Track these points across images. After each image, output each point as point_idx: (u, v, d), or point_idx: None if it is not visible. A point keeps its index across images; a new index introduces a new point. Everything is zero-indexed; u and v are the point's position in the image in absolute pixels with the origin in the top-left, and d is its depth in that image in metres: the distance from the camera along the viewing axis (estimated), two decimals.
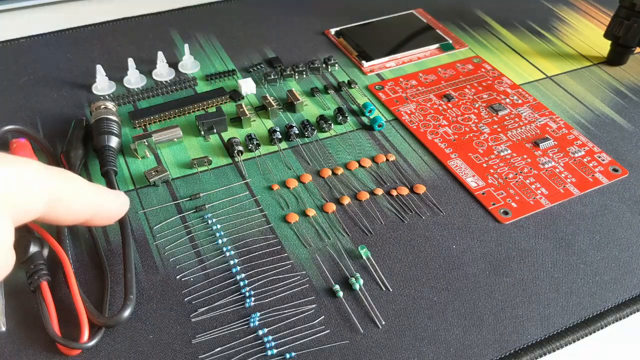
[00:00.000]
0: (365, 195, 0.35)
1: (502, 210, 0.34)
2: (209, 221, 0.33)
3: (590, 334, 0.29)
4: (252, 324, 0.28)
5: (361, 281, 0.30)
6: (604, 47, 0.48)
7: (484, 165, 0.37)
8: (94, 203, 0.21)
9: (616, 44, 0.46)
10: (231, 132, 0.40)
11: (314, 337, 0.28)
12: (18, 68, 0.46)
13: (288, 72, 0.45)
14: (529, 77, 0.46)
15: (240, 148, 0.38)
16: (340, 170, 0.37)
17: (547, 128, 0.40)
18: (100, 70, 0.43)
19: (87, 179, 0.36)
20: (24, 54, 0.48)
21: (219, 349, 0.27)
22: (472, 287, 0.30)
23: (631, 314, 0.29)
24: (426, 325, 0.28)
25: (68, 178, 0.19)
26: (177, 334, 0.28)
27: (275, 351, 0.27)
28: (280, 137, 0.39)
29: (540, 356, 0.28)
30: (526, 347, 0.28)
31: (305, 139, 0.40)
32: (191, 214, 0.34)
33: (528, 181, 0.36)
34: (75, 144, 0.37)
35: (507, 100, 0.43)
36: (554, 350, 0.28)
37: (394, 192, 0.35)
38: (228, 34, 0.50)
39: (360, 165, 0.37)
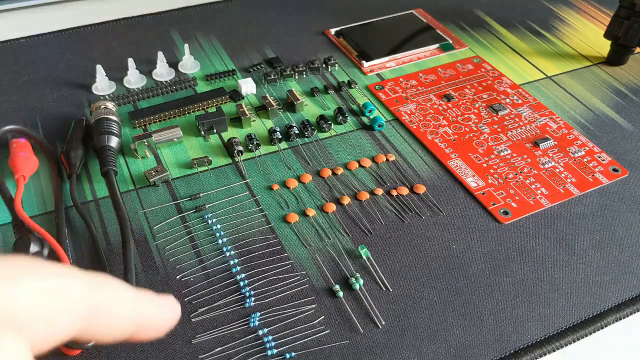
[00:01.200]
0: (365, 195, 0.35)
1: (502, 210, 0.34)
2: (209, 221, 0.33)
3: (590, 334, 0.29)
4: (252, 324, 0.28)
5: (361, 281, 0.30)
6: (604, 47, 0.48)
7: (484, 165, 0.37)
8: (139, 315, 0.17)
9: (616, 44, 0.46)
10: (231, 132, 0.40)
11: (314, 337, 0.28)
12: (18, 68, 0.46)
13: (288, 72, 0.45)
14: (529, 77, 0.46)
15: (240, 148, 0.38)
16: (340, 170, 0.37)
17: (547, 128, 0.40)
18: (100, 70, 0.43)
19: (87, 179, 0.36)
20: (24, 54, 0.48)
21: (219, 349, 0.27)
22: (472, 287, 0.30)
23: (631, 314, 0.29)
24: (426, 325, 0.28)
25: (107, 288, 0.17)
26: (177, 334, 0.28)
27: (275, 351, 0.27)
28: (280, 137, 0.39)
29: (540, 356, 0.28)
30: (526, 347, 0.28)
31: (305, 139, 0.40)
32: (191, 214, 0.34)
33: (528, 181, 0.36)
34: (75, 144, 0.37)
35: (507, 100, 0.43)
36: (554, 350, 0.28)
37: (394, 192, 0.35)
38: (228, 34, 0.50)
39: (360, 165, 0.37)
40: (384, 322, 0.28)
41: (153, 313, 0.18)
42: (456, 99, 0.43)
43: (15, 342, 0.14)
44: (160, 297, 0.19)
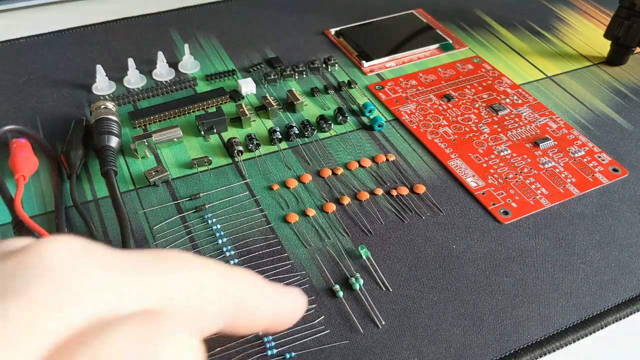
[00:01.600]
0: (365, 195, 0.35)
1: (502, 210, 0.34)
2: (209, 221, 0.33)
3: (590, 334, 0.29)
4: None
5: (361, 281, 0.30)
6: (604, 47, 0.48)
7: (484, 165, 0.37)
8: (275, 309, 0.18)
9: (616, 44, 0.46)
10: (231, 132, 0.40)
11: (314, 337, 0.28)
12: (18, 68, 0.46)
13: (288, 72, 0.45)
14: (529, 77, 0.46)
15: (240, 148, 0.38)
16: (340, 170, 0.37)
17: (547, 128, 0.40)
18: (100, 70, 0.43)
19: (87, 179, 0.36)
20: (24, 54, 0.48)
21: (219, 349, 0.27)
22: (472, 287, 0.30)
23: (631, 314, 0.29)
24: (426, 325, 0.28)
25: (250, 283, 0.17)
26: None
27: (275, 351, 0.27)
28: (280, 137, 0.39)
29: (540, 356, 0.28)
30: (526, 347, 0.28)
31: (305, 139, 0.40)
32: (191, 214, 0.34)
33: (528, 181, 0.36)
34: (75, 144, 0.37)
35: (507, 100, 0.43)
36: (554, 350, 0.28)
37: (394, 192, 0.35)
38: (228, 34, 0.50)
39: (360, 165, 0.37)
40: (384, 322, 0.28)
41: (287, 307, 0.19)
42: (456, 99, 0.43)
43: (189, 335, 0.14)
44: (291, 290, 0.19)
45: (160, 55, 0.44)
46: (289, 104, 0.42)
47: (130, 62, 0.44)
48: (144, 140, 0.37)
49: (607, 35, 0.46)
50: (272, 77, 0.44)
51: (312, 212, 0.34)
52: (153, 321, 0.13)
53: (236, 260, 0.31)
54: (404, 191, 0.35)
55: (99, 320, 0.12)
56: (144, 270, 0.14)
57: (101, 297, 0.13)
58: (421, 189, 0.36)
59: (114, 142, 0.37)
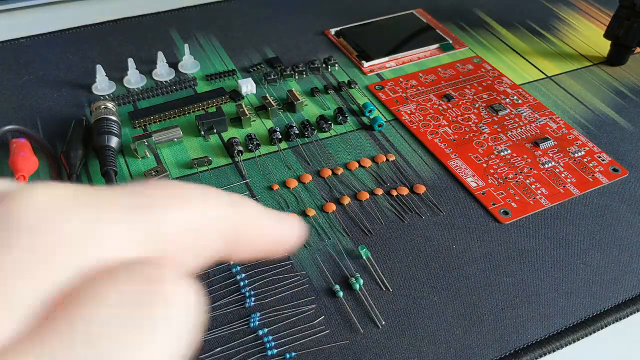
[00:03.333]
0: (365, 195, 0.35)
1: (502, 210, 0.34)
2: None
3: (590, 334, 0.29)
4: (252, 324, 0.28)
5: (361, 281, 0.30)
6: (604, 47, 0.48)
7: (484, 165, 0.37)
8: (272, 236, 0.18)
9: (616, 44, 0.46)
10: (231, 132, 0.40)
11: (314, 337, 0.28)
12: (18, 68, 0.46)
13: (288, 72, 0.45)
14: (529, 77, 0.46)
15: (240, 148, 0.38)
16: (340, 170, 0.37)
17: (547, 128, 0.40)
18: (100, 70, 0.43)
19: (87, 179, 0.36)
20: (24, 54, 0.48)
21: (219, 349, 0.27)
22: (472, 287, 0.30)
23: (631, 314, 0.29)
24: (426, 325, 0.28)
25: (247, 209, 0.16)
26: None
27: (275, 351, 0.27)
28: (280, 137, 0.39)
29: (540, 356, 0.28)
30: (526, 347, 0.28)
31: (305, 139, 0.40)
32: None
33: (528, 181, 0.36)
34: (75, 144, 0.37)
35: (507, 100, 0.43)
36: (554, 350, 0.28)
37: (394, 192, 0.35)
38: (228, 34, 0.50)
39: (360, 165, 0.37)
40: (384, 322, 0.28)
41: (286, 233, 0.18)
42: (456, 99, 0.43)
43: (187, 282, 0.13)
44: (289, 217, 0.19)
45: (160, 55, 0.44)
46: (289, 104, 0.42)
47: (130, 62, 0.44)
48: (144, 140, 0.37)
49: (607, 35, 0.46)
50: (272, 77, 0.44)
51: (312, 212, 0.34)
52: (149, 270, 0.12)
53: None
54: (404, 191, 0.35)
55: (92, 271, 0.12)
56: (136, 211, 0.13)
57: (92, 247, 0.12)
58: (421, 189, 0.36)
59: (114, 142, 0.37)
